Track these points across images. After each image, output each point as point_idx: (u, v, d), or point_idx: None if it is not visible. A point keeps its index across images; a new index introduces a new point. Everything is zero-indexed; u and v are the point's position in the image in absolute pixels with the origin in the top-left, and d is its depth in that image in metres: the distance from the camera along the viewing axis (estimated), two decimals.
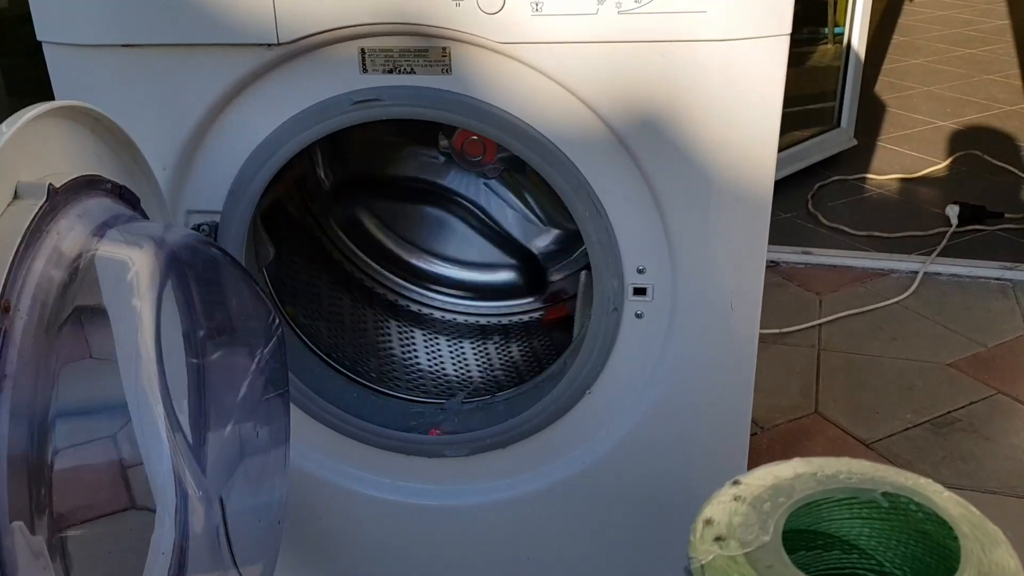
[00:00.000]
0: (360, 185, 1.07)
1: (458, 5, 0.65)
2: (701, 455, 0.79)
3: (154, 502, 0.62)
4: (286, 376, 0.76)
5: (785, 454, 1.06)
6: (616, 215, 0.71)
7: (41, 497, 0.47)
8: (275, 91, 0.71)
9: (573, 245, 1.06)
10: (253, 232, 0.80)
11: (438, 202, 1.08)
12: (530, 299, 1.07)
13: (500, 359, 1.02)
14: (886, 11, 3.60)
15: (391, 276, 1.08)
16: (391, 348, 1.03)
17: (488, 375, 0.99)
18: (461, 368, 1.01)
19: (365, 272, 1.07)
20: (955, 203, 1.81)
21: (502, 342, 1.04)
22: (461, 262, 1.09)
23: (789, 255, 1.71)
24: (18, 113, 0.50)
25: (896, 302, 1.55)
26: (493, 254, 1.08)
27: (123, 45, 0.70)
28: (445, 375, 1.00)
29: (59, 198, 0.51)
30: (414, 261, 1.09)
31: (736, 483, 0.58)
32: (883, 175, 2.10)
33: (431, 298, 1.08)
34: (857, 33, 2.06)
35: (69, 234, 0.51)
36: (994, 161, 2.12)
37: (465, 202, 1.08)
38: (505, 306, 1.07)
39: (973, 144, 2.22)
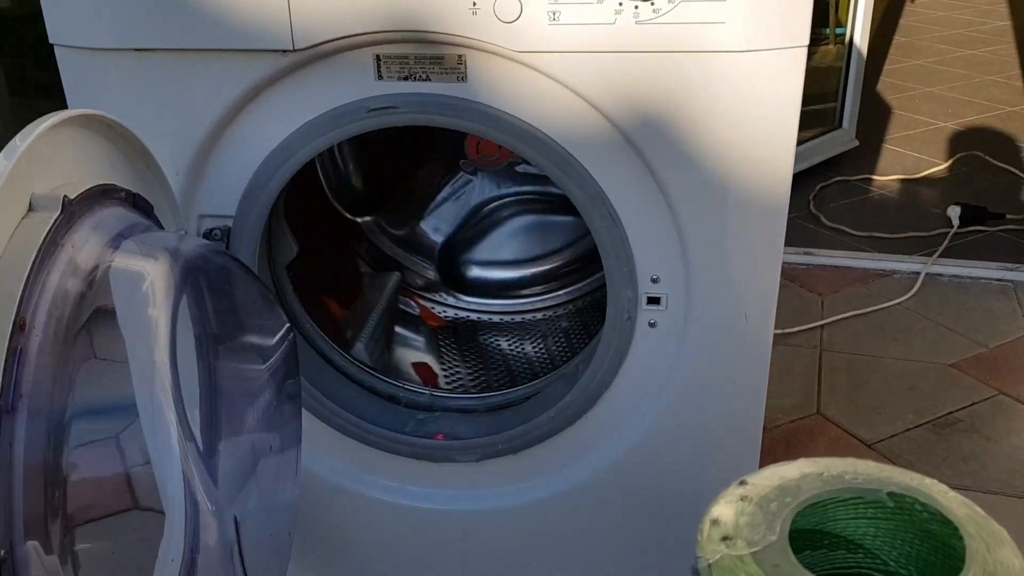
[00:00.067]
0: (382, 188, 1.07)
1: (475, 13, 0.64)
2: (712, 463, 0.80)
3: (160, 504, 0.62)
4: (298, 382, 0.77)
5: (787, 454, 1.07)
6: (631, 225, 0.71)
7: (55, 500, 0.47)
8: (289, 97, 0.71)
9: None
10: (273, 230, 0.80)
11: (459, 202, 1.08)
12: (530, 299, 1.07)
13: (514, 355, 1.02)
14: (887, 12, 3.60)
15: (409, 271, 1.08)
16: (408, 344, 1.03)
17: (504, 372, 0.99)
18: (477, 366, 1.01)
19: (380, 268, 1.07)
20: (956, 204, 1.82)
21: (516, 340, 1.04)
22: (481, 262, 1.10)
23: (791, 256, 1.72)
24: (33, 124, 0.49)
25: (898, 303, 1.55)
26: (495, 251, 1.09)
27: (136, 49, 0.70)
28: (463, 372, 1.00)
29: (73, 209, 0.50)
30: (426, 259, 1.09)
31: (743, 483, 0.59)
32: (885, 176, 2.10)
33: (448, 298, 1.08)
34: (859, 34, 2.06)
35: (84, 246, 0.50)
36: (995, 162, 2.13)
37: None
38: (501, 304, 1.07)
39: (974, 145, 2.23)
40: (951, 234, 1.76)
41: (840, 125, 2.16)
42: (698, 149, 0.67)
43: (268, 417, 0.72)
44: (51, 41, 0.72)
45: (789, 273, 1.66)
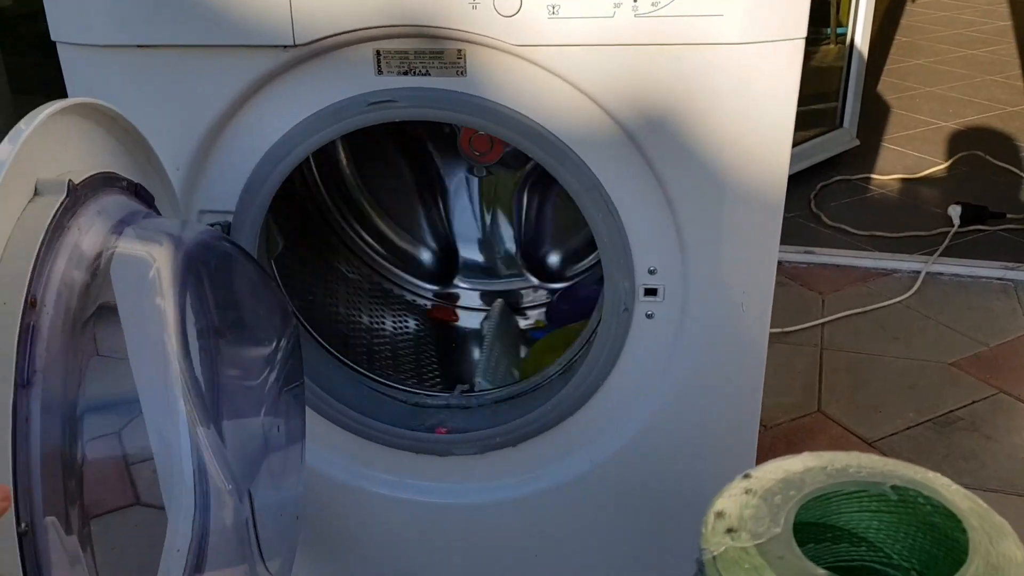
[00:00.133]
0: (377, 183, 1.07)
1: (474, 7, 0.65)
2: (710, 454, 0.80)
3: (159, 500, 0.62)
4: (301, 372, 0.77)
5: (788, 453, 1.07)
6: (628, 216, 0.71)
7: (72, 488, 0.48)
8: (290, 92, 0.72)
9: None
10: (264, 224, 0.80)
11: (450, 197, 1.09)
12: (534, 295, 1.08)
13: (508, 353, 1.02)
14: (888, 12, 3.61)
15: (399, 272, 1.08)
16: (405, 340, 1.03)
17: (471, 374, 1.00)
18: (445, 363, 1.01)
19: (373, 269, 1.08)
20: (957, 203, 1.82)
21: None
22: (471, 261, 1.10)
23: (792, 254, 1.72)
24: (36, 110, 0.50)
25: (898, 302, 1.55)
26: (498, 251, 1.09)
27: (138, 46, 0.70)
28: (455, 369, 1.01)
29: (79, 194, 0.51)
30: (423, 254, 1.09)
31: (747, 476, 0.59)
32: (885, 175, 2.11)
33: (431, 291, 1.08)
34: (860, 33, 2.07)
35: (89, 230, 0.51)
36: (996, 162, 2.13)
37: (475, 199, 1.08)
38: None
39: (975, 145, 2.23)
40: (952, 233, 1.76)
41: (841, 124, 2.16)
42: (696, 141, 0.67)
43: (276, 404, 0.72)
44: (53, 38, 0.72)
45: (790, 272, 1.67)
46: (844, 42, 2.09)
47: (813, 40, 2.08)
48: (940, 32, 3.46)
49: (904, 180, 2.08)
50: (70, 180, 0.50)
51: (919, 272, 1.63)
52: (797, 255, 1.72)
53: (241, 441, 0.67)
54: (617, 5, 0.63)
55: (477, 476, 0.86)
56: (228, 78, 0.71)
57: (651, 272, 0.73)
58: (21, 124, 0.48)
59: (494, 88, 0.69)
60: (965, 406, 1.29)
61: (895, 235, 1.78)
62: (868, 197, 2.01)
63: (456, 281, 1.10)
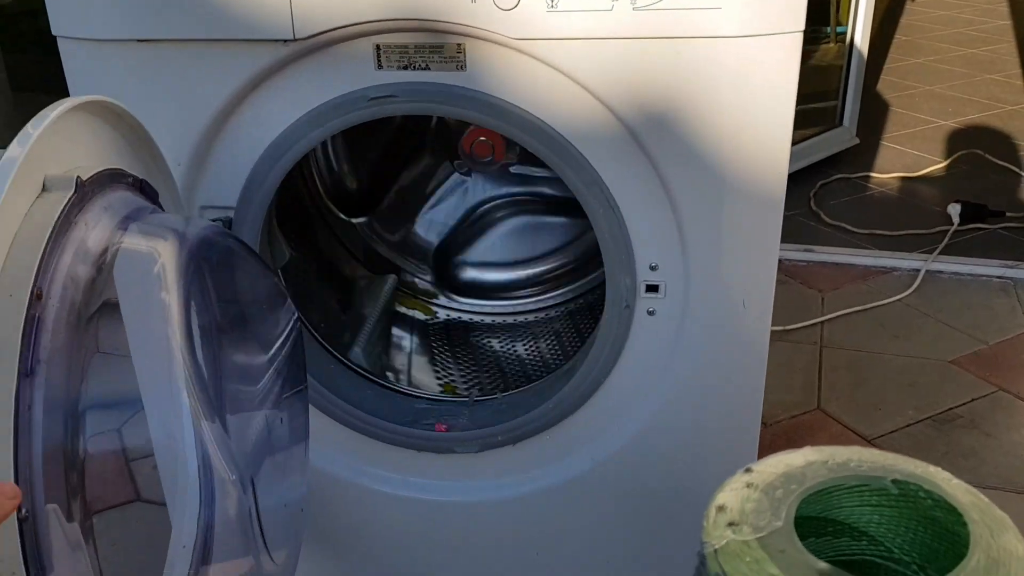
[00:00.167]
0: (377, 187, 1.07)
1: (474, 1, 0.65)
2: (711, 453, 0.80)
3: (162, 495, 0.62)
4: (304, 371, 0.77)
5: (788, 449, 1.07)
6: (629, 212, 0.71)
7: (74, 481, 0.48)
8: (290, 87, 0.72)
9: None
10: (268, 233, 0.81)
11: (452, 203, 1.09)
12: (521, 301, 1.08)
13: (506, 357, 1.02)
14: (888, 10, 3.61)
15: (406, 274, 1.08)
16: (403, 345, 1.03)
17: (496, 373, 1.00)
18: (470, 366, 1.02)
19: (377, 270, 1.08)
20: (957, 202, 1.82)
21: (508, 341, 1.05)
22: (469, 262, 1.10)
23: (791, 253, 1.72)
24: (46, 109, 0.50)
25: (898, 300, 1.56)
26: (503, 253, 1.09)
27: (138, 40, 0.70)
28: (456, 372, 1.01)
29: (86, 190, 0.51)
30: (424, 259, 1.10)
31: (748, 471, 0.59)
32: (885, 173, 2.11)
33: (442, 299, 1.08)
34: (859, 32, 2.07)
35: (96, 226, 0.51)
36: (996, 160, 2.13)
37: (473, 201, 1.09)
38: (496, 305, 1.08)
39: (975, 143, 2.23)
40: (951, 232, 1.76)
41: (841, 123, 2.17)
42: (695, 135, 0.67)
43: (278, 403, 0.72)
44: (53, 32, 0.72)
45: (790, 270, 1.67)
46: (844, 41, 2.09)
47: (813, 39, 2.08)
48: (940, 31, 3.46)
49: (904, 178, 2.09)
50: (78, 176, 0.50)
51: (919, 270, 1.63)
52: (797, 253, 1.72)
53: (244, 435, 0.67)
54: None
55: (478, 474, 0.86)
56: (228, 73, 0.71)
57: (652, 268, 0.73)
58: (29, 126, 0.49)
59: (494, 82, 0.69)
60: (965, 404, 1.29)
61: (895, 233, 1.79)
62: (868, 195, 2.01)
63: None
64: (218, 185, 0.76)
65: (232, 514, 0.61)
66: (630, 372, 0.78)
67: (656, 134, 0.68)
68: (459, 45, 0.68)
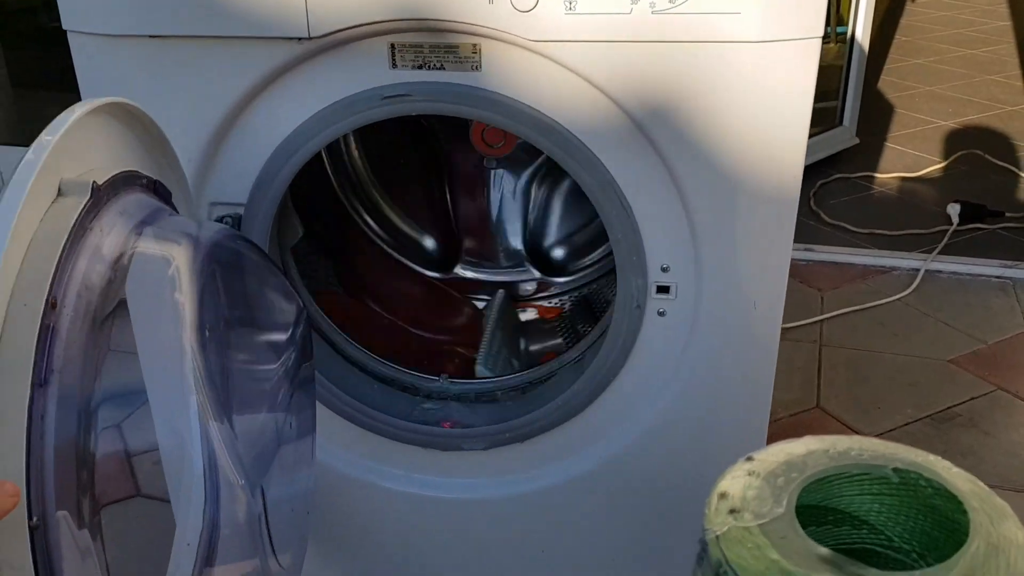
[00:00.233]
0: (384, 172, 1.07)
1: (491, 2, 0.65)
2: (719, 453, 0.80)
3: (163, 491, 0.62)
4: (312, 367, 0.77)
5: None
6: (642, 213, 0.72)
7: (84, 479, 0.48)
8: (303, 85, 0.71)
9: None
10: (281, 211, 0.80)
11: (458, 189, 1.09)
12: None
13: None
14: (888, 11, 3.61)
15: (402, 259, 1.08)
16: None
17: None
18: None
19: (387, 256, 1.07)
20: (956, 202, 1.83)
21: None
22: (471, 254, 1.10)
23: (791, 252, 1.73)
24: (66, 112, 0.50)
25: (897, 299, 1.56)
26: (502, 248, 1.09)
27: (151, 36, 0.70)
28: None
29: (101, 195, 0.51)
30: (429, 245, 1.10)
31: (750, 459, 0.60)
32: (885, 173, 2.11)
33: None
34: (860, 32, 2.07)
35: (111, 232, 0.51)
36: (995, 160, 2.14)
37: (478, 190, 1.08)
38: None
39: (974, 143, 2.24)
40: (950, 231, 1.77)
41: (841, 123, 2.17)
42: (711, 139, 0.68)
43: (288, 399, 0.72)
44: (64, 27, 0.72)
45: (789, 269, 1.67)
46: (844, 41, 2.10)
47: None
48: (940, 32, 3.47)
49: (903, 178, 2.09)
50: (94, 182, 0.50)
51: (918, 270, 1.64)
52: (797, 252, 1.73)
53: (253, 437, 0.67)
54: (635, 1, 0.63)
55: (485, 471, 0.87)
56: (241, 70, 0.70)
57: (664, 270, 0.74)
58: (46, 132, 0.48)
59: (509, 83, 0.69)
60: (963, 403, 1.30)
61: (894, 233, 1.79)
62: (867, 195, 2.02)
63: (457, 270, 1.10)
64: (228, 182, 0.76)
65: (241, 519, 0.62)
66: (639, 372, 0.78)
67: (671, 137, 0.68)
68: (475, 45, 0.68)
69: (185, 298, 0.57)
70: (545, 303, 1.08)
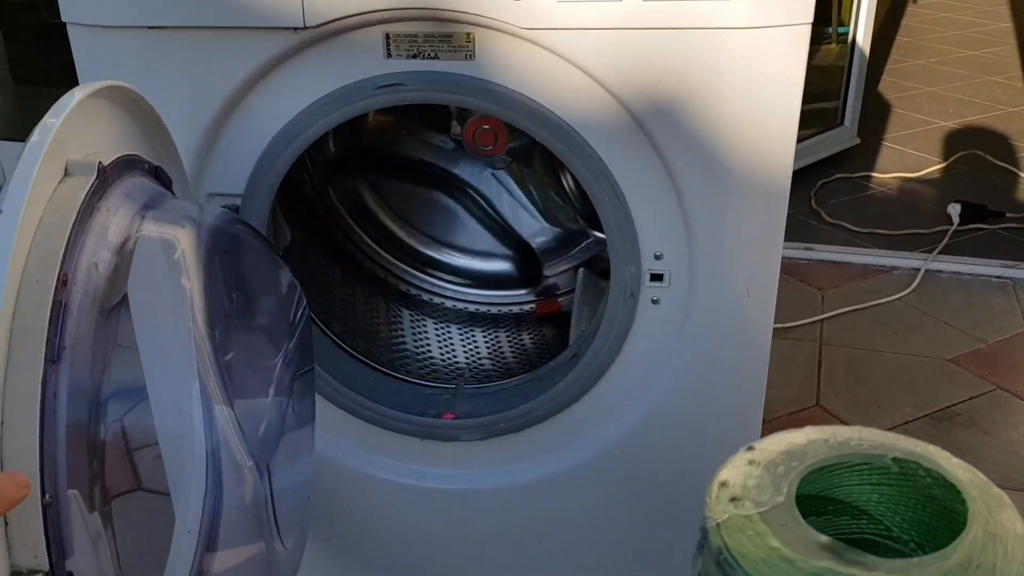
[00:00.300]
0: (365, 160, 1.07)
1: None
2: (715, 440, 0.80)
3: (164, 485, 0.63)
4: (311, 354, 0.77)
5: None
6: (635, 201, 0.72)
7: (95, 468, 0.48)
8: (299, 75, 0.72)
9: (572, 243, 1.07)
10: (271, 214, 0.81)
11: (443, 188, 1.09)
12: (523, 291, 1.08)
13: (488, 348, 1.03)
14: (890, 12, 3.62)
15: (397, 262, 1.09)
16: (402, 334, 1.04)
17: (475, 363, 1.00)
18: (448, 354, 1.02)
19: (374, 260, 1.08)
20: (957, 202, 1.83)
21: (491, 331, 1.05)
22: (461, 248, 1.10)
23: (792, 251, 1.73)
24: (66, 96, 0.51)
25: (898, 298, 1.56)
26: (492, 243, 1.09)
27: (149, 27, 0.71)
28: (455, 361, 1.01)
29: (107, 175, 0.51)
30: (416, 246, 1.10)
31: (751, 448, 0.60)
32: (886, 173, 2.11)
33: (428, 283, 1.08)
34: (861, 33, 2.08)
35: (117, 213, 0.52)
36: (995, 161, 2.14)
37: (470, 191, 1.09)
38: (498, 296, 1.08)
39: (975, 144, 2.24)
40: (951, 231, 1.77)
41: (842, 123, 2.17)
42: (702, 126, 0.68)
43: (289, 386, 0.73)
44: (64, 19, 0.73)
45: (790, 268, 1.67)
46: (846, 41, 2.10)
47: (815, 39, 2.07)
48: (941, 33, 3.47)
49: (904, 178, 2.09)
50: (100, 161, 0.50)
51: (918, 269, 1.64)
52: (797, 251, 1.73)
53: (257, 421, 0.67)
54: None
55: (482, 462, 0.87)
56: (238, 60, 0.71)
57: (657, 257, 0.74)
58: (50, 114, 0.49)
59: (503, 72, 0.70)
60: (963, 402, 1.30)
61: (895, 232, 1.79)
62: (868, 195, 2.02)
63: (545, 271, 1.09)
64: (226, 172, 0.76)
65: (248, 501, 0.62)
66: (634, 360, 0.78)
67: (663, 124, 0.68)
68: (468, 34, 0.69)
69: (192, 283, 0.57)
70: None
